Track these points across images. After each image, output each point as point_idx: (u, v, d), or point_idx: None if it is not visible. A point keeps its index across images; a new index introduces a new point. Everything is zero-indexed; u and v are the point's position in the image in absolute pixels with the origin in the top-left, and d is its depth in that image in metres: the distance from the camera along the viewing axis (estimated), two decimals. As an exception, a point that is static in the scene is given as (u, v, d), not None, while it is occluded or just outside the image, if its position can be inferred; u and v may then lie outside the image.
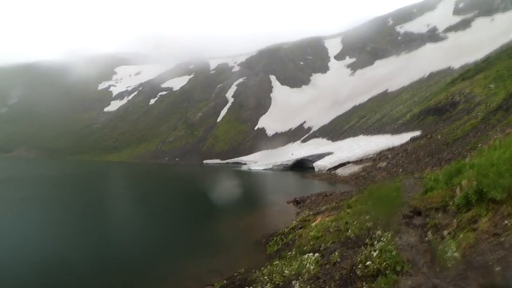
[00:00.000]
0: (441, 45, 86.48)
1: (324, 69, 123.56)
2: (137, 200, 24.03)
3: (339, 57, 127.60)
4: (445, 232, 3.83)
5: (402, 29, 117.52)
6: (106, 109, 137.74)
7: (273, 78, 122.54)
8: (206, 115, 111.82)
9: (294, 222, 12.47)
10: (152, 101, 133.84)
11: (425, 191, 6.42)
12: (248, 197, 25.18)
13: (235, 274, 8.43)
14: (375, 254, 4.35)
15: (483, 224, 3.53)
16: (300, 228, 10.57)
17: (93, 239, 13.24)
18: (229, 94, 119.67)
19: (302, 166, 45.61)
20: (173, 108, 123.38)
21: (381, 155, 33.22)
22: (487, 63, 39.59)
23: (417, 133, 35.34)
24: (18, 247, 11.96)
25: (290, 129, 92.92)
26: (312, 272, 5.37)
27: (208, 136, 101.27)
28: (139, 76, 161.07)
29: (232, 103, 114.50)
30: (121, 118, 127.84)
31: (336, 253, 5.62)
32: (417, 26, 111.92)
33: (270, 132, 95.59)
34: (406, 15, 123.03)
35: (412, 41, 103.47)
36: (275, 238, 11.18)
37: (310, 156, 45.49)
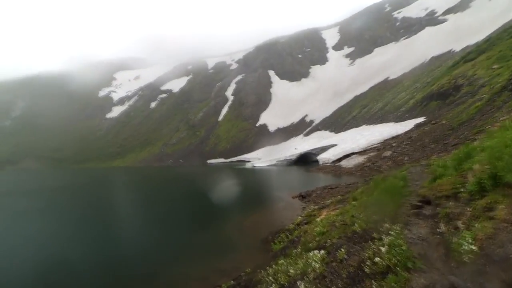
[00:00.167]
0: (441, 28, 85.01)
1: (322, 60, 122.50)
2: (141, 203, 23.96)
3: (337, 47, 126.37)
4: (459, 223, 3.52)
5: (400, 14, 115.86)
6: (108, 116, 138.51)
7: (271, 73, 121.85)
8: (207, 115, 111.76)
9: (300, 217, 12.20)
10: (153, 105, 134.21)
11: (434, 179, 6.09)
12: (253, 195, 24.98)
13: (242, 274, 8.25)
14: (383, 249, 4.05)
15: (500, 211, 3.22)
16: (306, 223, 10.30)
17: (98, 244, 13.17)
18: (229, 92, 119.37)
19: (306, 160, 45.28)
20: (173, 110, 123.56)
21: (385, 144, 32.75)
22: (489, 43, 38.68)
23: (421, 119, 34.77)
24: (28, 248, 12.02)
25: (292, 124, 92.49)
26: (318, 271, 5.09)
27: (211, 136, 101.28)
28: (138, 81, 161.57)
29: (232, 101, 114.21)
30: (123, 123, 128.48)
31: (343, 249, 5.33)
32: (415, 10, 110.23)
33: (272, 128, 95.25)
34: (403, 0, 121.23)
35: (411, 26, 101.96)
36: (281, 235, 10.95)
37: (314, 149, 45.09)
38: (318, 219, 9.61)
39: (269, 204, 19.89)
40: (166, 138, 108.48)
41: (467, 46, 56.02)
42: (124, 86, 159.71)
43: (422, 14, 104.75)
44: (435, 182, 5.72)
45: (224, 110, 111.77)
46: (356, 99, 75.72)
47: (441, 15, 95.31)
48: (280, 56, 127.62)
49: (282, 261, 6.90)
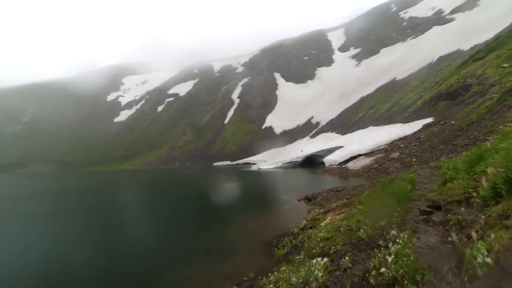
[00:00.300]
0: (448, 27, 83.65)
1: (328, 62, 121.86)
2: (146, 204, 23.95)
3: (343, 48, 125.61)
4: (472, 231, 3.24)
5: (406, 14, 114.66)
6: (116, 120, 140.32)
7: (277, 75, 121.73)
8: (214, 118, 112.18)
9: (304, 221, 11.91)
10: (160, 108, 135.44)
11: (444, 182, 5.79)
12: (258, 197, 24.73)
13: (245, 279, 8.03)
14: (390, 259, 3.78)
15: (518, 219, 2.94)
16: (310, 228, 10.01)
17: (98, 244, 13.19)
18: (235, 95, 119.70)
19: (312, 162, 44.80)
20: (180, 114, 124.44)
21: (393, 145, 32.15)
22: (499, 41, 37.77)
23: (429, 120, 34.06)
24: (33, 248, 12.04)
25: (298, 126, 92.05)
26: (320, 280, 4.84)
27: (217, 139, 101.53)
28: (145, 85, 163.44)
29: (238, 104, 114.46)
30: (131, 127, 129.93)
31: (347, 257, 5.07)
32: (421, 10, 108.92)
33: (278, 130, 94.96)
34: (409, 0, 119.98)
35: (418, 26, 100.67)
36: (285, 239, 10.70)
37: (320, 151, 44.59)
38: (322, 224, 9.33)
39: (274, 207, 19.62)
40: (173, 141, 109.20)
41: (476, 45, 54.88)
42: (132, 91, 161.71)
43: (429, 13, 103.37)
44: (445, 186, 5.41)
45: (230, 113, 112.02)
46: (363, 100, 74.88)
47: (448, 14, 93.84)
48: (286, 58, 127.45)
49: (284, 268, 6.66)
